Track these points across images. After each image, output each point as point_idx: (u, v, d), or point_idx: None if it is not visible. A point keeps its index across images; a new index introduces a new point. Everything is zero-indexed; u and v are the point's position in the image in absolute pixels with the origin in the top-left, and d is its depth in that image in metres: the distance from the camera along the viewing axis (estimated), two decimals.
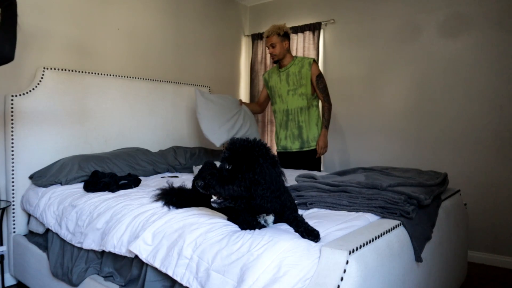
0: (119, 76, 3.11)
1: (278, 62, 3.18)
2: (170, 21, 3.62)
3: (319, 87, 3.08)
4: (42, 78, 2.63)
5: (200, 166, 2.19)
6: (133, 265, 1.78)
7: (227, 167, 1.41)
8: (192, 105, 3.69)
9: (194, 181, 2.00)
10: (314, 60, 3.10)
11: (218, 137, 3.08)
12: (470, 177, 3.13)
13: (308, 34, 3.90)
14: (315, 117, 3.17)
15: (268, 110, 4.11)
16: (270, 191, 1.38)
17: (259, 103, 3.56)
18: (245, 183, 1.38)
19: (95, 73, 2.94)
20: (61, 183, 2.44)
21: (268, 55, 4.20)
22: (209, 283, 1.37)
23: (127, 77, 3.18)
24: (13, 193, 2.53)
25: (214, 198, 1.44)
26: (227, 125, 3.17)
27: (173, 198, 1.88)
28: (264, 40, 3.19)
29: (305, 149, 3.14)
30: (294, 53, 3.98)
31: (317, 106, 3.21)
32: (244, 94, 4.51)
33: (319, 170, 3.22)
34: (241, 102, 3.43)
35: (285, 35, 3.12)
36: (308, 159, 3.14)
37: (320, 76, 3.09)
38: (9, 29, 1.87)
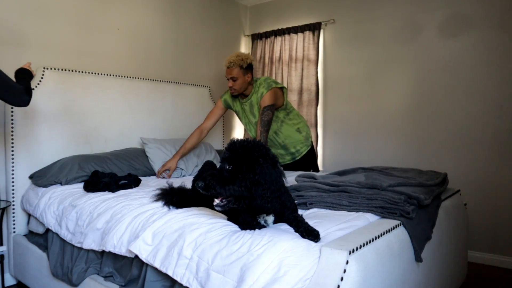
0: (119, 76, 3.11)
1: (237, 96, 2.91)
2: (170, 21, 3.62)
3: (262, 119, 2.67)
4: (42, 78, 2.63)
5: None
6: (133, 265, 1.78)
7: (227, 167, 1.40)
8: (192, 105, 3.69)
9: (194, 182, 2.00)
10: (271, 89, 2.73)
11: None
12: (470, 177, 3.13)
13: (308, 34, 3.90)
14: (292, 126, 2.97)
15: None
16: (271, 191, 1.38)
17: (203, 128, 3.00)
18: (245, 184, 1.38)
19: (95, 73, 2.94)
20: (61, 183, 2.44)
21: (268, 55, 4.20)
22: (209, 283, 1.37)
23: (127, 77, 3.18)
24: (13, 193, 2.53)
25: (217, 201, 1.42)
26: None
27: (173, 198, 1.88)
28: (224, 70, 2.81)
29: (298, 158, 3.06)
30: (293, 54, 3.98)
31: (287, 116, 2.95)
32: None
33: (317, 170, 3.19)
34: (161, 174, 2.88)
35: (249, 67, 2.76)
36: (303, 164, 3.07)
37: (268, 108, 2.69)
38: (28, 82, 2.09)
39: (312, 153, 3.13)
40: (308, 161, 3.09)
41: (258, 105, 2.80)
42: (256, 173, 1.38)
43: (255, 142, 1.44)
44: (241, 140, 1.45)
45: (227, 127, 4.23)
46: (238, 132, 4.46)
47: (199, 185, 1.39)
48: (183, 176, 2.97)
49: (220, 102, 3.03)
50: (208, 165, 2.00)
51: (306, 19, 3.98)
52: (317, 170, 3.18)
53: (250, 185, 1.38)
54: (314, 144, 3.83)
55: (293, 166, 3.09)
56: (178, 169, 2.96)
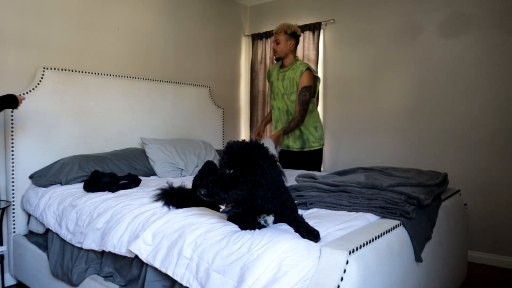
0: (119, 76, 3.11)
1: (280, 60, 3.13)
2: (170, 21, 3.62)
3: (300, 98, 2.95)
4: (42, 78, 2.63)
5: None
6: (133, 265, 1.78)
7: (228, 172, 1.39)
8: (192, 105, 3.69)
9: (194, 181, 2.00)
10: (308, 69, 2.99)
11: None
12: (470, 177, 3.13)
13: (308, 34, 3.90)
14: (311, 123, 3.11)
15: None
16: (271, 191, 1.38)
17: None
18: (247, 186, 1.38)
19: (95, 73, 2.94)
20: (61, 183, 2.45)
21: (268, 55, 4.20)
22: (209, 283, 1.37)
23: (127, 77, 3.18)
24: (13, 193, 2.53)
25: (222, 207, 1.41)
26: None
27: (173, 198, 1.88)
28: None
29: (306, 150, 3.14)
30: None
31: (310, 113, 3.10)
32: (244, 94, 4.51)
33: (319, 170, 3.22)
34: (260, 133, 3.32)
35: (292, 35, 3.03)
36: (309, 159, 3.14)
37: (306, 88, 2.95)
38: None
39: (320, 154, 3.20)
40: (314, 159, 3.14)
41: (292, 82, 3.02)
42: (257, 174, 1.37)
43: (253, 143, 1.44)
44: (239, 142, 1.44)
45: (227, 128, 4.23)
46: (238, 132, 4.46)
47: (202, 192, 1.37)
48: (183, 176, 2.97)
49: (267, 76, 3.33)
50: (208, 165, 2.00)
51: (306, 19, 3.98)
52: (319, 170, 3.22)
53: (252, 187, 1.38)
54: None
55: (299, 157, 3.13)
56: (178, 170, 2.96)
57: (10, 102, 2.18)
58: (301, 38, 3.95)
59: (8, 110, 2.47)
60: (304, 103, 2.95)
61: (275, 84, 3.18)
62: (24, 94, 2.54)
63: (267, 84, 3.93)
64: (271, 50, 3.09)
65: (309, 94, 2.97)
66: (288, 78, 3.06)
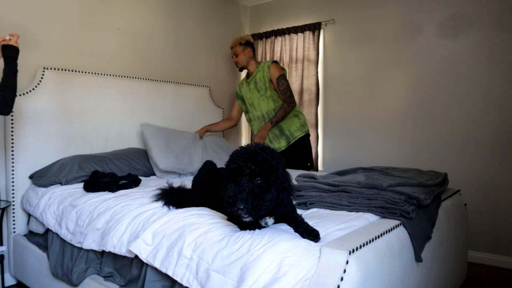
0: (119, 76, 3.11)
1: (243, 70, 3.36)
2: (170, 21, 3.62)
3: (280, 88, 3.11)
4: (42, 78, 2.63)
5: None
6: (133, 265, 1.78)
7: (258, 181, 1.34)
8: (192, 105, 3.69)
9: (194, 181, 2.00)
10: (274, 62, 3.17)
11: (164, 162, 2.85)
12: (470, 177, 3.13)
13: (308, 34, 3.90)
14: (293, 112, 3.22)
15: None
16: (291, 196, 1.43)
17: (231, 118, 3.55)
18: (276, 193, 1.37)
19: (95, 73, 2.94)
20: (61, 183, 2.45)
21: (269, 56, 4.20)
22: (209, 283, 1.37)
23: (127, 77, 3.18)
24: (13, 193, 2.53)
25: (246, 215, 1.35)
26: (176, 152, 2.97)
27: (173, 198, 1.88)
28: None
29: (292, 142, 3.20)
30: (293, 54, 3.98)
31: None
32: None
33: (311, 159, 3.31)
34: (201, 136, 3.34)
35: (247, 44, 3.26)
36: (297, 150, 3.20)
37: (280, 77, 3.11)
38: (11, 88, 2.01)
39: (307, 141, 3.29)
40: (302, 148, 3.21)
41: (263, 80, 3.17)
42: (282, 181, 1.38)
43: (269, 148, 1.41)
44: (259, 148, 1.39)
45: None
46: (238, 132, 4.46)
47: (241, 207, 1.26)
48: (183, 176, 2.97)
49: (235, 97, 3.48)
50: (208, 165, 2.00)
51: (306, 19, 3.98)
52: (311, 162, 3.31)
53: (277, 194, 1.38)
54: (314, 144, 3.83)
55: (289, 153, 3.18)
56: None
57: (13, 66, 2.03)
58: (301, 38, 3.96)
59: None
60: (285, 91, 3.11)
61: (247, 95, 3.31)
62: (24, 94, 2.54)
63: None
64: (234, 64, 3.34)
65: (286, 81, 3.13)
66: (259, 79, 3.22)
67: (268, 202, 1.32)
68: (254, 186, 1.32)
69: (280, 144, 3.21)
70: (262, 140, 3.07)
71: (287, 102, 3.10)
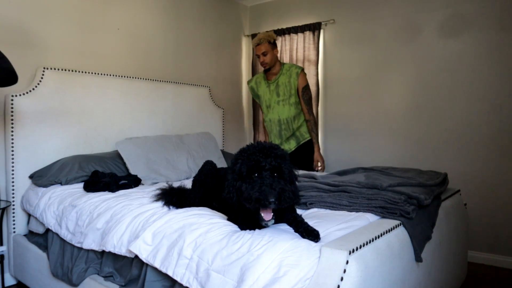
0: (119, 76, 3.11)
1: (269, 70, 3.17)
2: (170, 21, 3.62)
3: (304, 98, 3.10)
4: (42, 78, 2.63)
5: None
6: (133, 265, 1.78)
7: (275, 175, 1.40)
8: (192, 105, 3.69)
9: (194, 181, 1.99)
10: (302, 70, 3.10)
11: (149, 180, 2.69)
12: (470, 177, 3.13)
13: (308, 34, 3.90)
14: (304, 116, 3.24)
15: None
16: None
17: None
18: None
19: (95, 73, 2.94)
20: (61, 183, 2.44)
21: None
22: (209, 283, 1.37)
23: (127, 77, 3.18)
24: (13, 193, 2.53)
25: (267, 217, 1.40)
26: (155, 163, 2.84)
27: (173, 198, 1.88)
28: (254, 48, 3.13)
29: (302, 142, 3.21)
30: (293, 54, 3.99)
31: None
32: (245, 94, 4.50)
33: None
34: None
35: (275, 43, 3.13)
36: (306, 151, 3.20)
37: (306, 87, 3.10)
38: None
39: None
40: (311, 150, 3.20)
41: (288, 87, 3.11)
42: (293, 175, 1.45)
43: (279, 147, 1.47)
44: (274, 144, 1.47)
45: (227, 128, 4.23)
46: (238, 132, 4.46)
47: (273, 200, 1.30)
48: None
49: (251, 93, 3.38)
50: (208, 164, 2.00)
51: (306, 19, 3.98)
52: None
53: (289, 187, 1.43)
54: None
55: (297, 154, 3.19)
56: None
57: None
58: (301, 38, 3.97)
59: (8, 110, 2.47)
60: (309, 102, 3.13)
61: (266, 96, 3.23)
62: (24, 94, 2.54)
63: None
64: (260, 63, 3.13)
65: (310, 92, 3.16)
66: (282, 84, 3.13)
67: (292, 194, 1.39)
68: (277, 180, 1.37)
69: (290, 145, 3.22)
70: (324, 164, 3.19)
71: (312, 115, 3.14)
